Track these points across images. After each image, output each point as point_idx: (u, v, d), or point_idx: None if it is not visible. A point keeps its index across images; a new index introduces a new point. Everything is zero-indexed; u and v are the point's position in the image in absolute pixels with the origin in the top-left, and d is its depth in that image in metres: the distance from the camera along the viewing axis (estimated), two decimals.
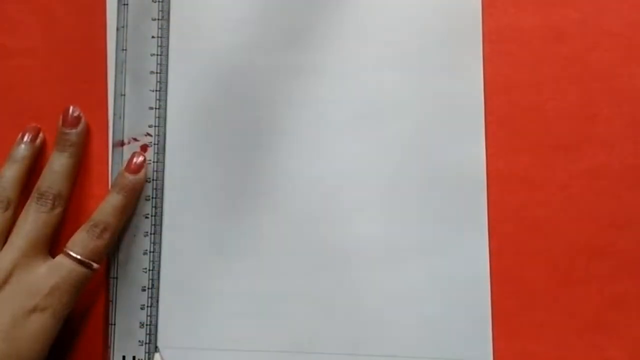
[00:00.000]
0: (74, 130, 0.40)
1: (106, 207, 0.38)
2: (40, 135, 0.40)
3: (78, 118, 0.40)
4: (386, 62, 0.40)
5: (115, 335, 0.39)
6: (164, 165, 0.40)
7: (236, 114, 0.40)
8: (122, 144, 0.39)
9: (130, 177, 0.39)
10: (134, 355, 0.39)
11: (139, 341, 0.39)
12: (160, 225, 0.40)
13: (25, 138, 0.40)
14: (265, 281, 0.40)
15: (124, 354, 0.39)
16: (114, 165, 0.40)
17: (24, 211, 0.38)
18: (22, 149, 0.40)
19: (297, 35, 0.40)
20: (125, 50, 0.40)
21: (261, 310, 0.39)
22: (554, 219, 0.39)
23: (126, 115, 0.40)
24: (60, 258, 0.37)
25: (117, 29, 0.40)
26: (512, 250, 0.39)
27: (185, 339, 0.40)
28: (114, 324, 0.39)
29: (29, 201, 0.38)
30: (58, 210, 0.38)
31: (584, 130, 0.39)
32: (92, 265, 0.37)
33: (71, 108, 0.40)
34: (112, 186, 0.39)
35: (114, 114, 0.40)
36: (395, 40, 0.40)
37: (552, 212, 0.39)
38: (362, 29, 0.40)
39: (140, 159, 0.39)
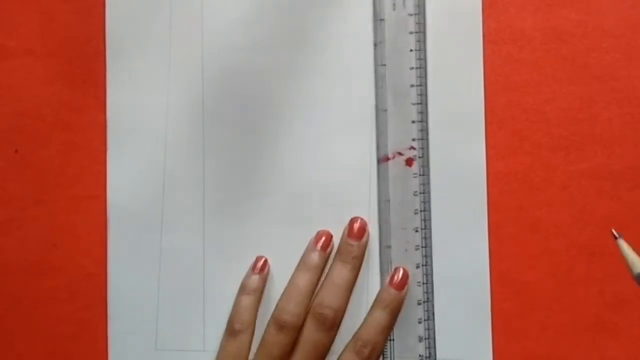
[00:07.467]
0: (357, 243, 0.39)
1: (373, 326, 0.37)
2: (330, 246, 0.39)
3: (363, 230, 0.39)
4: None
5: (395, 350, 0.39)
6: (429, 179, 0.39)
7: (236, 114, 0.40)
8: (387, 159, 0.39)
9: (394, 294, 0.38)
10: None
11: (419, 355, 0.39)
12: (431, 238, 0.39)
13: (318, 245, 0.39)
14: (268, 282, 0.40)
15: None
16: (380, 181, 0.39)
17: (305, 325, 0.38)
18: (315, 257, 0.39)
19: (297, 35, 0.40)
20: (385, 65, 0.39)
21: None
22: (554, 219, 0.39)
23: (389, 130, 0.39)
24: None
25: (375, 45, 0.39)
26: (512, 251, 0.39)
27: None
28: (393, 339, 0.39)
29: (308, 316, 0.38)
30: (335, 331, 0.37)
31: (584, 130, 0.39)
32: None
33: (359, 221, 0.39)
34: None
35: (377, 129, 0.39)
36: None
37: (552, 212, 0.39)
38: (362, 29, 0.40)
39: (402, 273, 0.38)
